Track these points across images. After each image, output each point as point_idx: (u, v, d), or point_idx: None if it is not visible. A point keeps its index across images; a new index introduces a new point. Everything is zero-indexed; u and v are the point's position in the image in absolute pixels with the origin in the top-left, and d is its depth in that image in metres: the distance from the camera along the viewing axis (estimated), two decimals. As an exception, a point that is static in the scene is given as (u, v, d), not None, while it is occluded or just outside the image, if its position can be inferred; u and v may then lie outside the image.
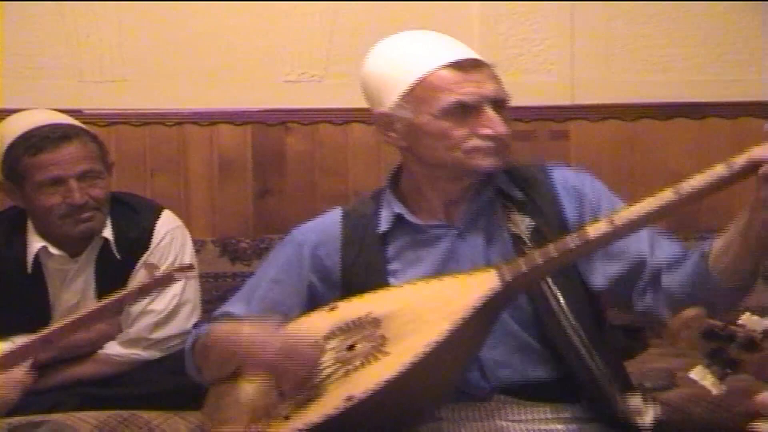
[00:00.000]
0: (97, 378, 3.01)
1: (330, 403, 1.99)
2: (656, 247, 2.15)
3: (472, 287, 2.05)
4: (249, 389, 2.16)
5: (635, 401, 2.14)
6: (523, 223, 2.20)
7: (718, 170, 1.91)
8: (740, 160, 1.88)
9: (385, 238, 2.29)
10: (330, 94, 3.83)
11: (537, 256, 2.02)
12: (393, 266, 2.26)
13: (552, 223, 2.21)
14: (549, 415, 2.17)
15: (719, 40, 3.95)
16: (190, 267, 2.00)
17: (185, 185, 3.80)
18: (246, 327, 2.15)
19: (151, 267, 1.93)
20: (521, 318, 2.18)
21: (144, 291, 1.94)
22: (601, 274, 2.19)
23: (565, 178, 2.29)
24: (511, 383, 2.17)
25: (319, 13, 3.82)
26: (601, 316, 2.27)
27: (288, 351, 2.08)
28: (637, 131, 3.94)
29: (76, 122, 3.06)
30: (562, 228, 2.17)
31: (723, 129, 3.93)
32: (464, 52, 2.23)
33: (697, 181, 1.93)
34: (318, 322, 2.19)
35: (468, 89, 2.16)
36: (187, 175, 3.80)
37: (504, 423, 2.16)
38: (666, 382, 3.06)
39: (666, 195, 1.94)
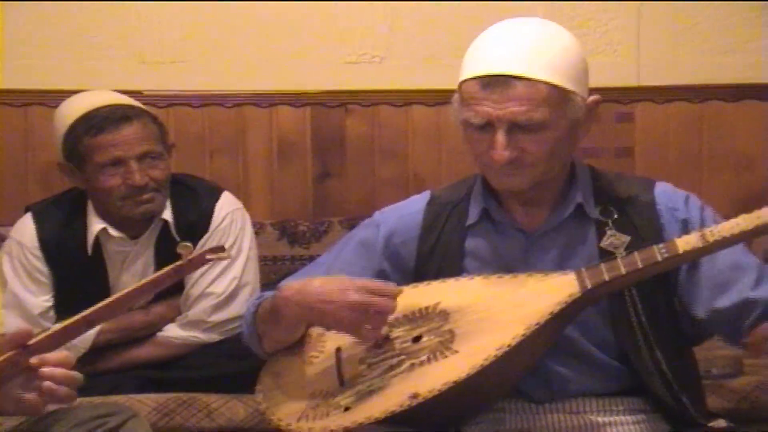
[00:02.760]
0: (156, 361, 3.02)
1: (393, 399, 1.95)
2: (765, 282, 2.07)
3: (550, 291, 1.99)
4: (308, 371, 2.13)
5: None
6: (617, 240, 2.11)
7: None
8: None
9: (467, 230, 2.22)
10: (391, 76, 3.79)
11: (621, 266, 1.97)
12: (468, 261, 2.20)
13: (649, 244, 2.08)
14: (612, 407, 2.13)
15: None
16: (221, 249, 1.98)
17: (244, 167, 3.78)
18: (317, 280, 2.10)
19: (185, 248, 1.91)
20: (593, 338, 2.12)
21: (178, 272, 1.93)
22: (705, 306, 2.09)
23: (671, 201, 2.18)
24: (577, 395, 2.13)
25: (381, -7, 3.78)
26: (678, 324, 2.17)
27: (370, 288, 2.02)
28: (705, 113, 3.86)
29: (137, 103, 3.05)
30: None
31: (794, 111, 3.85)
32: (498, 65, 2.04)
33: None
34: None
35: (480, 108, 2.05)
36: (246, 157, 3.79)
37: (566, 415, 2.12)
38: (733, 370, 3.02)
39: (764, 214, 1.88)
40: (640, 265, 1.96)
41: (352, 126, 3.80)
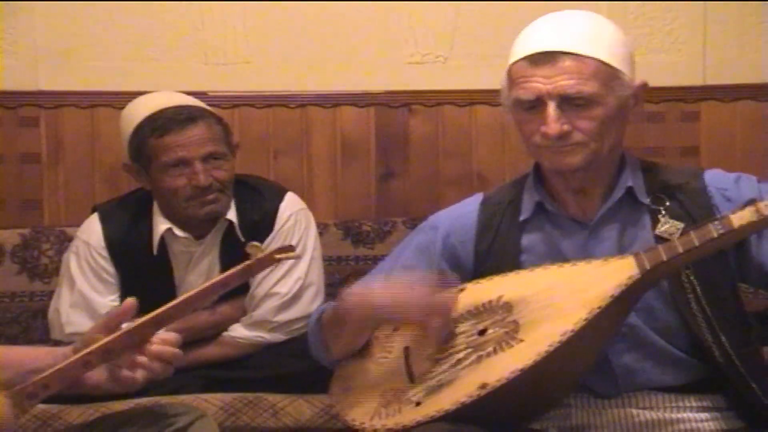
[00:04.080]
0: (222, 361, 3.03)
1: (463, 390, 1.96)
2: None
3: (609, 275, 2.00)
4: (378, 371, 2.14)
5: None
6: (673, 228, 2.11)
7: None
8: None
9: (522, 226, 2.24)
10: (454, 76, 3.79)
11: (678, 245, 1.98)
12: (526, 257, 2.21)
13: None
14: (682, 403, 2.11)
15: None
16: (291, 248, 2.01)
17: (308, 168, 3.80)
18: (378, 284, 2.12)
19: (254, 248, 1.94)
20: (657, 326, 2.12)
21: (247, 272, 1.97)
22: None
23: (720, 183, 2.19)
24: (643, 388, 2.12)
25: (444, -7, 3.78)
26: (743, 310, 2.17)
27: (435, 289, 2.05)
28: (772, 112, 3.82)
29: (202, 104, 3.07)
30: None
31: None
32: (546, 43, 2.11)
33: None
34: None
35: (530, 85, 2.09)
36: (310, 157, 3.80)
37: (635, 411, 2.11)
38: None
39: None
40: (696, 243, 1.96)
41: (416, 126, 3.80)
